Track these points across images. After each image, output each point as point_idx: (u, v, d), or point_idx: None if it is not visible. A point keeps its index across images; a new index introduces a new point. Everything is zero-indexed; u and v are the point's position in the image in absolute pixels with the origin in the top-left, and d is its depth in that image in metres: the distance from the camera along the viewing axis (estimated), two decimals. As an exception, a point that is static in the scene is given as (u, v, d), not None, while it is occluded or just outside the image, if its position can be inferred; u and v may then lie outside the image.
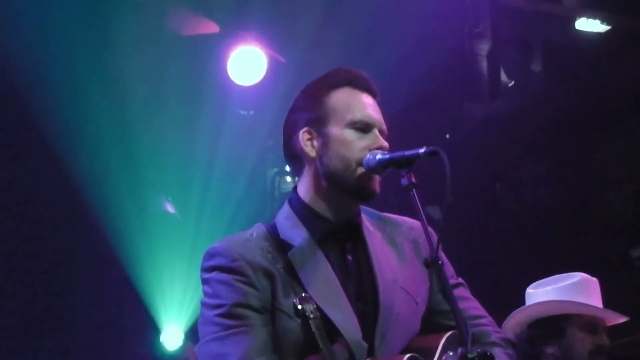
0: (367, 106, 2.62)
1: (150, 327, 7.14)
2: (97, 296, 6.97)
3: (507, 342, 2.70)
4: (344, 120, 2.59)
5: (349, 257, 2.61)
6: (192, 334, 7.03)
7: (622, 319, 3.84)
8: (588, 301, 3.78)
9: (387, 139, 2.62)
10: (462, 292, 2.73)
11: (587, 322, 3.78)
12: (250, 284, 2.51)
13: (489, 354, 2.27)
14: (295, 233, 2.59)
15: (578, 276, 3.86)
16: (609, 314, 3.80)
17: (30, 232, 6.69)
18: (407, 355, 2.44)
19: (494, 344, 2.65)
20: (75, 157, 6.78)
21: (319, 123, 2.61)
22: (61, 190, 6.80)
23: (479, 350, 2.27)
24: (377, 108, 2.66)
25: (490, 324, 2.73)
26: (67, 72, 6.46)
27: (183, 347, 7.14)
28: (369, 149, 2.57)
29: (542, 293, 3.81)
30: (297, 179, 2.71)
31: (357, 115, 2.59)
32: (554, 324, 3.79)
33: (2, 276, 6.53)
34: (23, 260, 6.64)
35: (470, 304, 2.73)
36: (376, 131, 2.61)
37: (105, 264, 6.96)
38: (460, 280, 2.76)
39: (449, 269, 2.72)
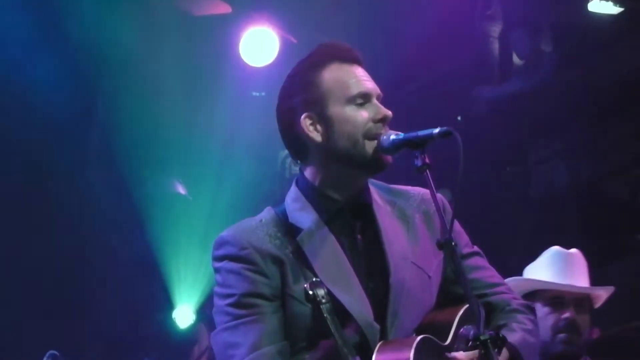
0: (360, 78, 2.60)
1: (165, 303, 7.22)
2: (115, 273, 7.04)
3: (528, 308, 2.68)
4: (343, 98, 2.57)
5: (359, 237, 2.60)
6: (204, 313, 7.09)
7: (587, 291, 3.66)
8: (558, 274, 3.65)
9: (395, 117, 2.61)
10: (478, 261, 2.72)
11: (551, 296, 3.65)
12: (259, 272, 2.51)
13: (501, 335, 2.28)
14: (303, 216, 2.58)
15: (551, 250, 3.76)
16: (561, 287, 3.63)
17: (50, 210, 6.76)
18: (419, 337, 2.43)
19: (516, 310, 2.64)
20: (92, 139, 6.84)
21: (317, 106, 2.58)
22: (78, 168, 6.86)
23: (491, 332, 2.28)
24: (368, 76, 2.64)
25: (508, 291, 2.71)
26: (78, 51, 6.51)
27: (194, 326, 7.21)
28: (372, 120, 2.56)
29: (529, 270, 3.75)
30: (301, 162, 2.68)
31: (354, 90, 2.57)
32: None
33: (22, 254, 6.61)
34: (43, 239, 6.70)
35: (487, 273, 2.71)
36: (375, 100, 2.60)
37: (124, 241, 7.03)
38: (475, 248, 2.74)
39: (463, 238, 2.71)
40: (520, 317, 2.63)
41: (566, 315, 3.62)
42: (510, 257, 6.73)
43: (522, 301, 2.71)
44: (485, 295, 2.63)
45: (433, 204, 2.60)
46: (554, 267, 3.71)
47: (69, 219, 6.83)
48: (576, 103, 7.18)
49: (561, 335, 3.62)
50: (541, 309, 3.63)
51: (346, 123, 2.55)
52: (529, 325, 2.61)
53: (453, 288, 2.63)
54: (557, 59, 7.46)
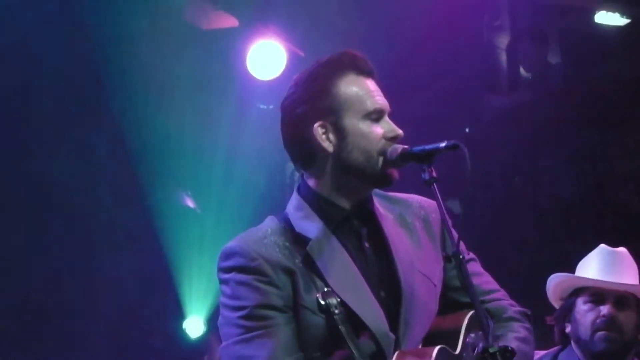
0: (375, 94, 2.60)
1: (175, 314, 7.24)
2: (125, 283, 7.06)
3: (524, 315, 2.68)
4: (359, 112, 2.56)
5: (366, 244, 2.59)
6: (214, 324, 7.11)
7: (624, 287, 3.51)
8: (600, 271, 3.55)
9: (403, 127, 2.61)
10: (474, 267, 2.70)
11: (591, 293, 3.56)
12: (270, 283, 2.48)
13: (510, 348, 2.28)
14: (309, 224, 2.56)
15: (598, 248, 3.67)
16: (596, 282, 3.53)
17: (59, 222, 6.79)
18: (437, 347, 2.42)
19: (511, 318, 2.64)
20: (100, 151, 6.86)
21: (332, 116, 2.55)
22: (86, 179, 6.88)
23: (500, 344, 2.29)
24: (379, 90, 2.64)
25: (504, 297, 2.71)
26: (87, 63, 6.54)
27: (204, 336, 7.21)
28: (385, 137, 2.56)
29: (577, 268, 3.68)
30: (305, 171, 2.65)
31: (370, 106, 2.56)
32: (567, 302, 3.64)
33: (28, 263, 6.63)
34: (52, 250, 6.73)
35: (483, 279, 2.71)
36: (387, 117, 2.60)
37: (135, 252, 7.05)
38: (471, 255, 2.73)
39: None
40: (515, 325, 2.63)
41: (604, 312, 3.52)
42: (519, 265, 6.74)
43: (518, 308, 2.70)
44: (482, 302, 2.60)
45: (431, 211, 2.64)
46: (596, 265, 3.61)
47: (79, 230, 6.86)
48: (584, 112, 7.19)
49: (600, 333, 3.51)
50: (582, 306, 3.56)
51: (361, 137, 2.55)
52: (523, 334, 2.62)
53: (452, 295, 2.65)
54: (564, 70, 7.48)
